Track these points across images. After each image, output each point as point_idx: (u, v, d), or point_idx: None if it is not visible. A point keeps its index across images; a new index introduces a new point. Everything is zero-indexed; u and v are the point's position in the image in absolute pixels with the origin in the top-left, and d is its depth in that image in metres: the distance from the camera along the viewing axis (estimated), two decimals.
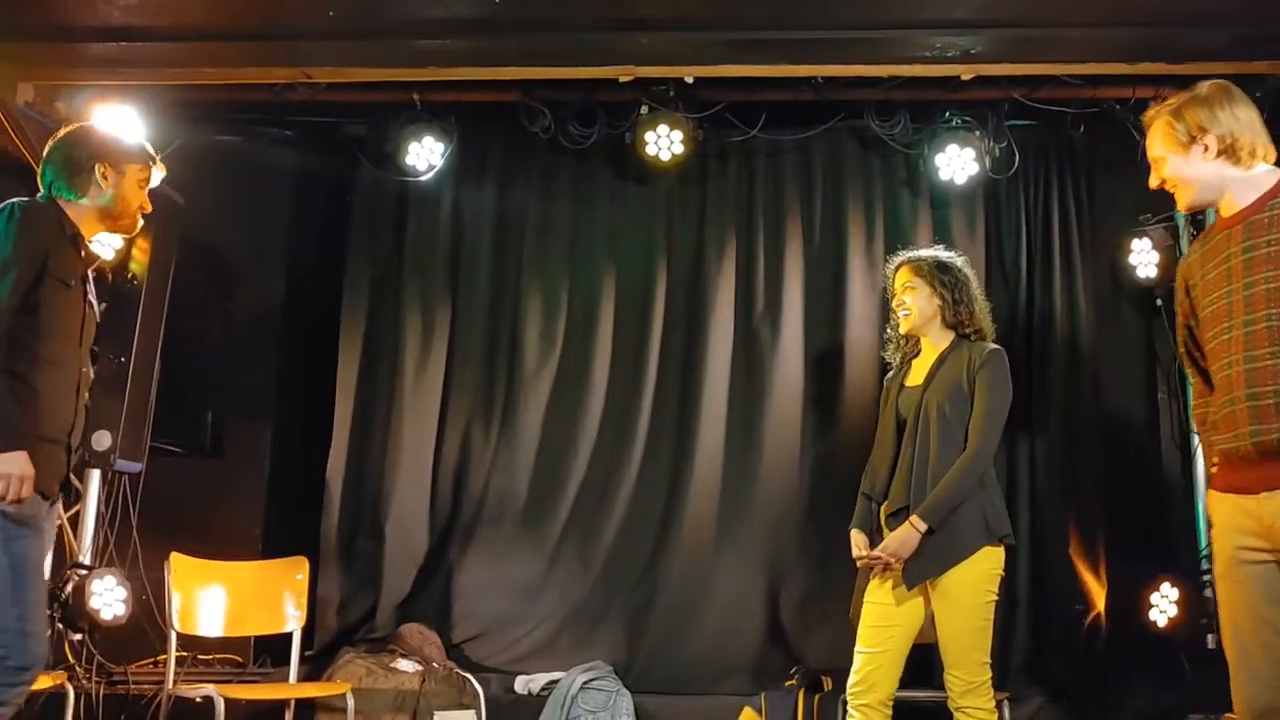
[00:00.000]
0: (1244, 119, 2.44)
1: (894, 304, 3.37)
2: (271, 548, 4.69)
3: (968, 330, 3.26)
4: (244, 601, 4.21)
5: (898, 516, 3.12)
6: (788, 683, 4.39)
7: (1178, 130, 2.46)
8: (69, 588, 4.04)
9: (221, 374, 4.96)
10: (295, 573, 4.28)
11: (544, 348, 5.04)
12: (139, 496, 4.53)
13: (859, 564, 3.19)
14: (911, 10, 4.00)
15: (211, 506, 4.78)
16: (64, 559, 4.26)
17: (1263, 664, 2.31)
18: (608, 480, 4.95)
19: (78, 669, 4.22)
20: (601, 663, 4.57)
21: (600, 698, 4.35)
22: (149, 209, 3.01)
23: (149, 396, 4.37)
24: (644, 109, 4.66)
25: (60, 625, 4.01)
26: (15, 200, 2.76)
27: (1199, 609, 4.40)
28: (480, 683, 4.40)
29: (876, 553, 3.10)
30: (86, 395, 2.91)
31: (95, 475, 4.38)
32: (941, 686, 3.08)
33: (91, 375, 2.97)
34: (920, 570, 3.05)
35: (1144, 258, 4.86)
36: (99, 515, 4.43)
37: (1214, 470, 2.50)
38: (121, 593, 4.15)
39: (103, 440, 4.09)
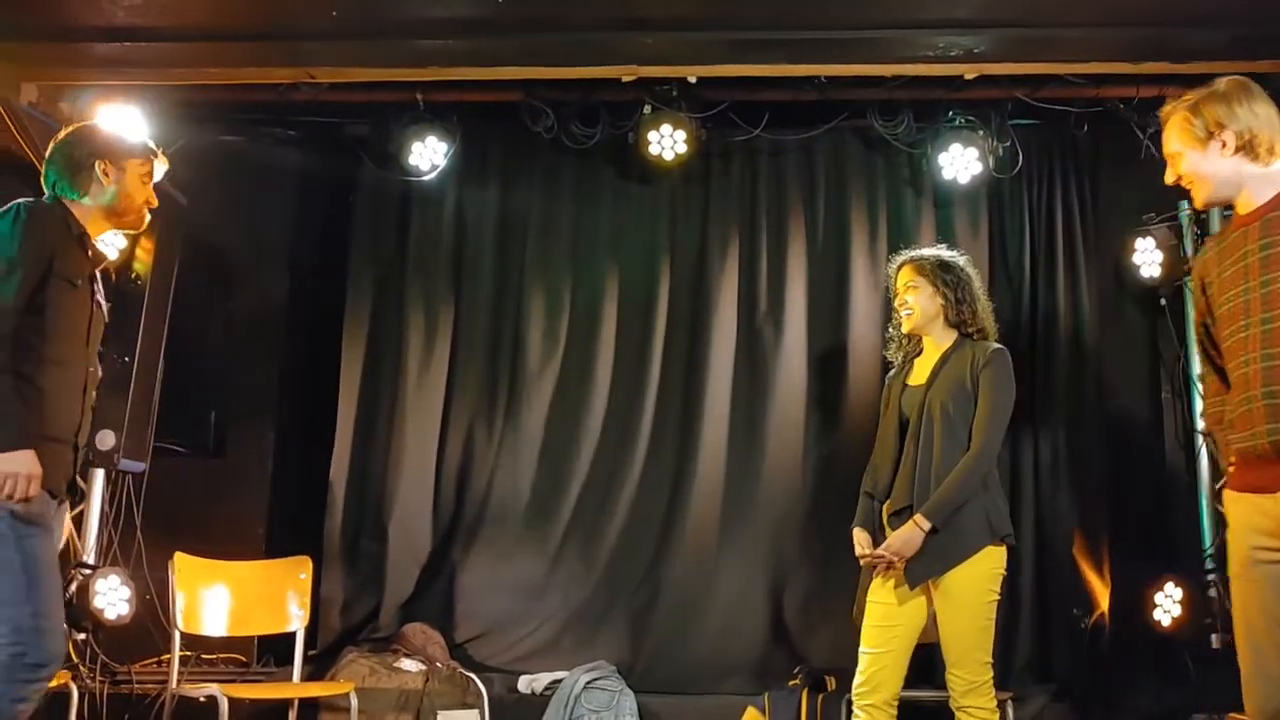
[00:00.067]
0: (1263, 115, 2.42)
1: (896, 303, 3.37)
2: (275, 547, 4.70)
3: (970, 329, 3.26)
4: (247, 601, 4.22)
5: (900, 516, 3.12)
6: (791, 682, 4.39)
7: (1195, 126, 2.44)
8: (73, 587, 4.05)
9: (225, 374, 4.97)
10: (299, 572, 4.28)
11: (547, 347, 5.04)
12: (143, 496, 4.54)
13: (862, 562, 3.19)
14: (914, 10, 4.00)
15: (215, 506, 4.79)
16: (68, 559, 4.26)
17: (1276, 665, 2.30)
18: (611, 480, 4.95)
19: (82, 668, 4.23)
20: (605, 662, 4.57)
21: (603, 697, 4.35)
22: (155, 203, 3.00)
23: (153, 396, 4.38)
24: (647, 108, 4.66)
25: (64, 625, 4.02)
26: (21, 200, 2.77)
27: (1203, 608, 4.40)
28: (483, 682, 4.40)
29: (880, 551, 3.10)
30: (94, 395, 2.91)
31: (99, 475, 4.38)
32: (943, 686, 3.08)
33: (100, 375, 2.97)
34: (923, 569, 3.05)
35: (1148, 257, 4.85)
36: (103, 515, 4.44)
37: (1231, 470, 2.47)
38: (125, 592, 4.16)
39: (107, 440, 4.09)
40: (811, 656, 4.60)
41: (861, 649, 3.14)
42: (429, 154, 4.85)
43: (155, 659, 4.44)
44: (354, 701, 3.97)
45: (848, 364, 4.89)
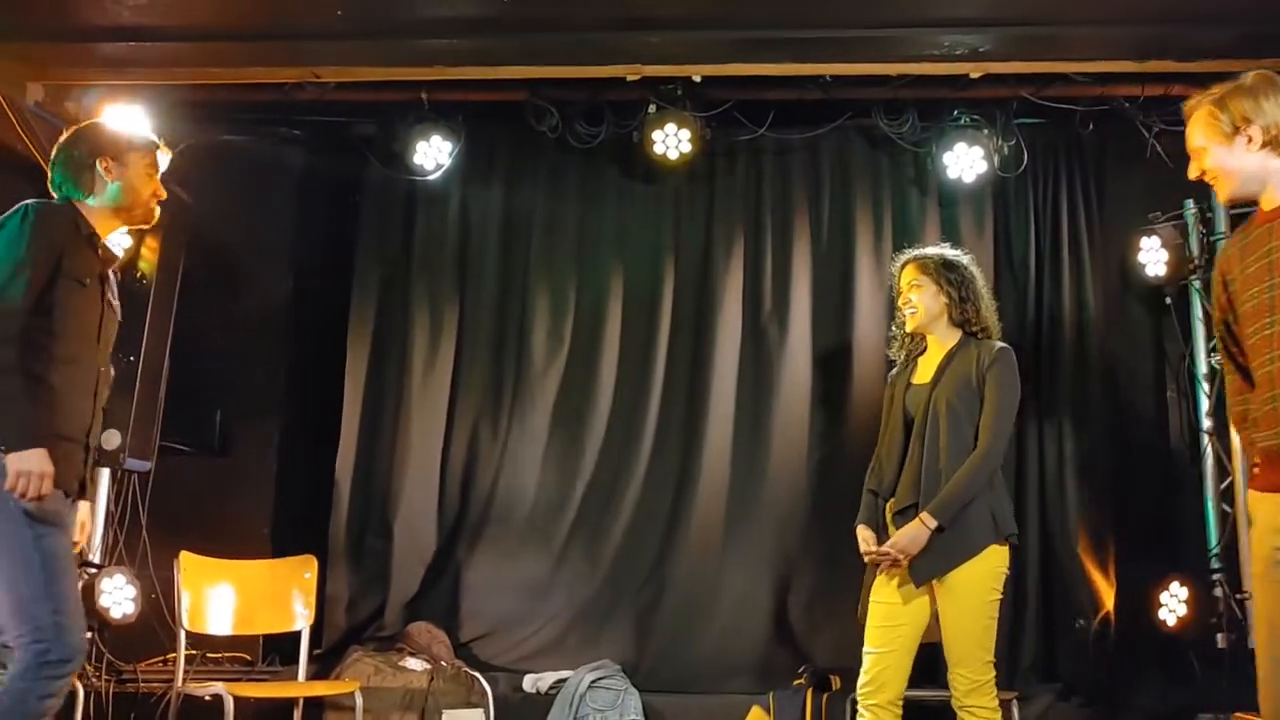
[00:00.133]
0: None
1: (900, 302, 3.36)
2: (280, 546, 4.70)
3: (974, 328, 3.25)
4: (253, 600, 4.22)
5: (905, 514, 3.11)
6: (796, 682, 4.38)
7: (1221, 120, 2.39)
8: (79, 586, 4.05)
9: (230, 373, 4.97)
10: (304, 571, 4.28)
11: (552, 347, 5.04)
12: (148, 495, 4.55)
13: (867, 560, 3.19)
14: (919, 9, 4.00)
15: (220, 505, 4.80)
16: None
17: None
18: (615, 479, 4.95)
19: (87, 667, 4.23)
20: (609, 661, 4.57)
21: (608, 696, 4.36)
22: (163, 195, 2.98)
23: (158, 395, 4.39)
24: (652, 108, 4.66)
25: (84, 620, 4.03)
26: (30, 201, 2.77)
27: (1208, 608, 4.40)
28: (488, 681, 4.41)
29: (885, 548, 3.09)
30: (106, 395, 2.91)
31: (105, 474, 4.39)
32: (946, 685, 3.07)
33: (112, 374, 2.97)
34: (928, 568, 3.04)
35: (1153, 256, 4.85)
36: (108, 514, 4.45)
37: (1255, 470, 2.41)
38: (131, 591, 4.17)
39: (112, 439, 4.10)
40: (816, 656, 4.60)
41: (865, 649, 3.13)
42: (434, 153, 4.86)
43: (161, 658, 4.45)
44: (359, 700, 3.96)
45: (852, 363, 4.89)
